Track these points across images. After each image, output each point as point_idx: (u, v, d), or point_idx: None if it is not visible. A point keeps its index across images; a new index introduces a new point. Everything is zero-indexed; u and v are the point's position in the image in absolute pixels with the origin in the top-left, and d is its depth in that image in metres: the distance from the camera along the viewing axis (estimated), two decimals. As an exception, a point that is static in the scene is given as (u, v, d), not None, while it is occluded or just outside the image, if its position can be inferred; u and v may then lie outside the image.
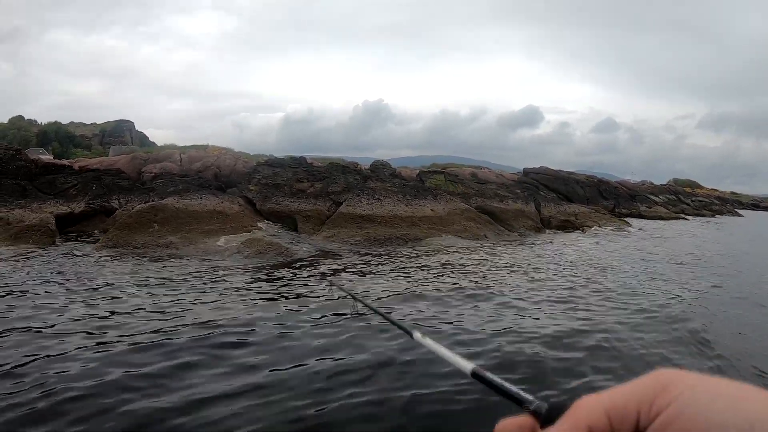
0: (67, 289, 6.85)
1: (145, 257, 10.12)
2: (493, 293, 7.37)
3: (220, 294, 6.83)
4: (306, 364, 4.19)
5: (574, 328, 5.57)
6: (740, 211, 51.76)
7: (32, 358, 4.19)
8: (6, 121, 71.03)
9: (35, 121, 74.73)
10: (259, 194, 14.65)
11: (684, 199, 47.79)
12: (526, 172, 34.92)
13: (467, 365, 0.68)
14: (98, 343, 4.58)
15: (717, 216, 42.82)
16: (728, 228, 30.29)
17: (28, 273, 8.03)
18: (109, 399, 3.46)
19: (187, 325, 5.18)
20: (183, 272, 8.42)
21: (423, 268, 9.55)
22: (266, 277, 8.29)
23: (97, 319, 5.46)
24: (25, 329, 5.01)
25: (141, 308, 5.94)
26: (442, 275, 8.78)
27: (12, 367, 3.98)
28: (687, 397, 0.35)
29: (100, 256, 10.06)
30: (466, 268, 9.73)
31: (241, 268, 8.97)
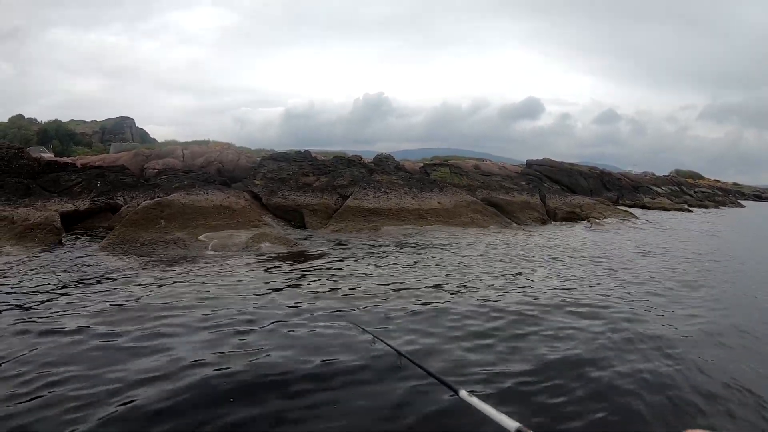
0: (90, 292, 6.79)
1: (153, 253, 10.07)
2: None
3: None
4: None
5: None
6: (742, 202, 51.67)
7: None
8: (6, 121, 70.87)
9: (35, 120, 74.55)
10: (265, 188, 14.57)
11: (687, 191, 47.68)
12: (530, 164, 34.80)
13: (512, 424, 0.70)
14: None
15: (720, 207, 42.67)
16: (738, 219, 30.22)
17: (42, 270, 7.97)
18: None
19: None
20: (194, 267, 8.36)
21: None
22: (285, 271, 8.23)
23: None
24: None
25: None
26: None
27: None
28: None
29: (108, 253, 10.00)
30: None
31: (255, 263, 8.91)
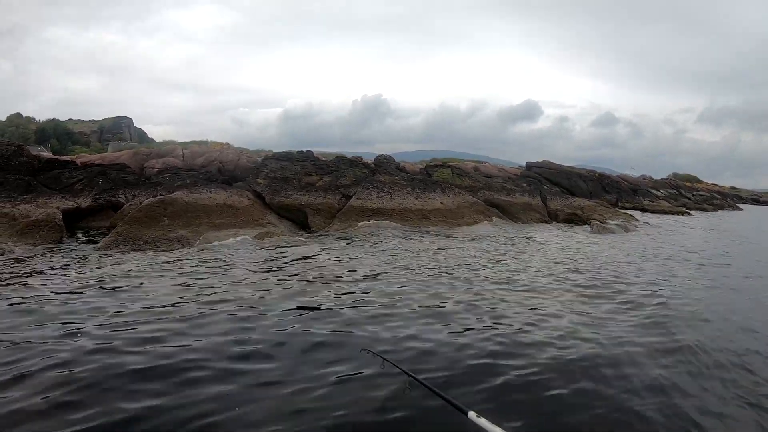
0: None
1: (158, 251, 10.01)
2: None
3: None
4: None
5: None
6: (740, 206, 51.92)
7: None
8: (4, 119, 70.57)
9: (33, 119, 74.21)
10: (268, 188, 14.52)
11: (685, 194, 47.81)
12: (529, 166, 34.82)
13: None
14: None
15: (718, 210, 42.85)
16: (740, 221, 30.34)
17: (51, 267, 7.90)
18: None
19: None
20: (199, 264, 8.31)
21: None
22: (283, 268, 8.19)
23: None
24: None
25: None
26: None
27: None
28: None
29: (112, 251, 9.94)
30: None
31: (259, 261, 8.86)
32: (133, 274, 7.35)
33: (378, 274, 7.70)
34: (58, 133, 67.43)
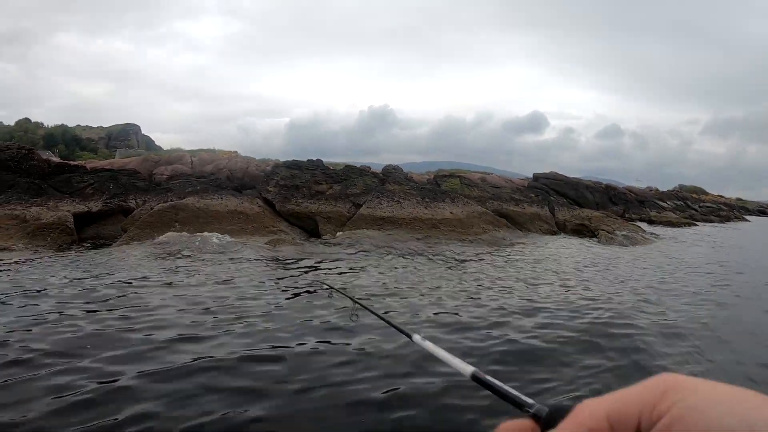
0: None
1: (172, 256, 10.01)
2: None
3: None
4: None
5: None
6: (747, 217, 51.64)
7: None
8: (13, 124, 71.32)
9: (42, 124, 75.00)
10: (279, 195, 14.55)
11: (692, 205, 47.62)
12: (536, 177, 34.83)
13: (467, 368, 0.68)
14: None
15: (725, 222, 42.58)
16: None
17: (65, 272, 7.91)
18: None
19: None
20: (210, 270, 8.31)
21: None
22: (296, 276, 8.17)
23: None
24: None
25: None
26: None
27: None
28: (688, 402, 0.36)
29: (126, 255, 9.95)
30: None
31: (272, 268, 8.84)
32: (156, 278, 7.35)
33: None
34: (66, 139, 68.08)
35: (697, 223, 35.87)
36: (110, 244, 11.85)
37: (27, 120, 74.86)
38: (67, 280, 7.07)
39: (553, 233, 19.03)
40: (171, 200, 14.29)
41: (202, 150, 42.55)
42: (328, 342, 4.67)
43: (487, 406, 3.30)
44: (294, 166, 16.45)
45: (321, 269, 8.84)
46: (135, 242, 11.23)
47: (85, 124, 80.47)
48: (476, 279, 8.36)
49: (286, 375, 3.88)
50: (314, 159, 17.55)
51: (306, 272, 8.43)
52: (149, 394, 3.41)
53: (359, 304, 1.95)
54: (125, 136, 76.98)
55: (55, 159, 33.80)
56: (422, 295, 6.89)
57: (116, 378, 3.64)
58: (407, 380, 3.83)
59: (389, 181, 17.58)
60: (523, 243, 14.48)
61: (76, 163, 24.33)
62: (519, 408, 0.50)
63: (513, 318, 5.83)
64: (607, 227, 22.46)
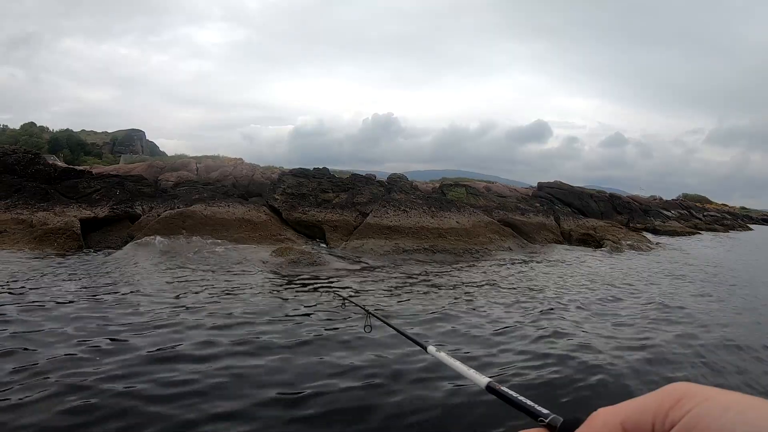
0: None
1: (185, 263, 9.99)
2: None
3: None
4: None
5: None
6: (751, 226, 51.51)
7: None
8: (18, 128, 71.61)
9: (47, 128, 75.26)
10: (285, 203, 14.55)
11: (696, 214, 47.46)
12: (541, 186, 34.73)
13: (482, 379, 0.68)
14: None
15: (729, 231, 42.43)
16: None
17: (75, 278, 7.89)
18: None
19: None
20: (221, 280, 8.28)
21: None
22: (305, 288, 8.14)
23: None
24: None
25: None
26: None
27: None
28: (700, 409, 0.36)
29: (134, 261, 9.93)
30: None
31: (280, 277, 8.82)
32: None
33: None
34: (70, 144, 68.26)
35: (701, 231, 35.73)
36: (116, 251, 11.84)
37: (32, 124, 75.12)
38: (75, 288, 7.06)
39: (559, 243, 18.97)
40: (178, 207, 14.28)
41: (206, 156, 42.63)
42: (338, 352, 4.66)
43: (503, 415, 3.34)
44: (300, 174, 16.46)
45: (332, 279, 8.81)
46: (141, 249, 11.22)
47: (89, 129, 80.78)
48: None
49: (291, 381, 3.90)
50: (320, 167, 17.57)
51: (317, 281, 8.40)
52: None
53: (376, 316, 1.94)
54: (130, 141, 77.21)
55: (61, 163, 33.95)
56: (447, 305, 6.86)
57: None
58: (420, 389, 3.83)
59: (395, 189, 17.57)
60: (541, 253, 14.43)
61: (81, 168, 24.40)
62: (534, 418, 0.51)
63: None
64: (613, 237, 22.38)
